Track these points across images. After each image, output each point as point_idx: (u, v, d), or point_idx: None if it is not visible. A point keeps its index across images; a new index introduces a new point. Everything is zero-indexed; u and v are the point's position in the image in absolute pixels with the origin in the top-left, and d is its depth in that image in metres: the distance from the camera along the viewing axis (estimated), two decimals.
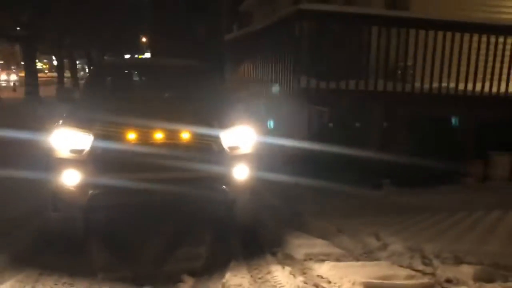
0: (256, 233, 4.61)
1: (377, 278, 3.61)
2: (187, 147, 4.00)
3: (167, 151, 3.93)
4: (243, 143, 4.21)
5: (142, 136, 3.93)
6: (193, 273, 3.73)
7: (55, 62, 35.21)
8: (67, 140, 3.92)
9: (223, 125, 4.17)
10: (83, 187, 3.87)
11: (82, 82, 22.74)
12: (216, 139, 4.07)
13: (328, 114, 6.34)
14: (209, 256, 4.09)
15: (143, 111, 4.06)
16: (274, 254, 4.19)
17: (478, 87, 6.66)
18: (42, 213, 4.49)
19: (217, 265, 3.92)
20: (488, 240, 4.56)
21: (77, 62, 32.63)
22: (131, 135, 3.90)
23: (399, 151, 6.34)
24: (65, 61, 27.73)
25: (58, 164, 3.92)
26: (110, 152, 3.87)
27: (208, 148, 4.03)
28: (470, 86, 6.64)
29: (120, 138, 3.91)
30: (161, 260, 3.99)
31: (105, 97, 4.57)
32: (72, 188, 3.88)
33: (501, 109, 6.63)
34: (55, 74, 31.58)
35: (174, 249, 4.18)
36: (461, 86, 6.63)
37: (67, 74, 29.16)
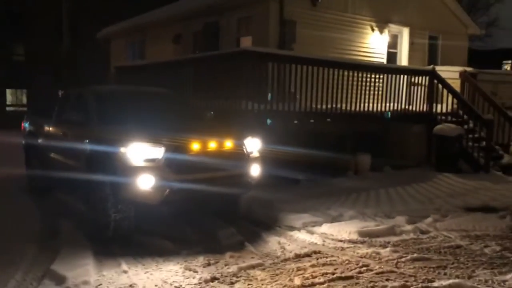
0: (256, 216, 6.25)
1: (361, 228, 5.68)
2: (228, 153, 5.49)
3: (217, 157, 5.35)
4: (255, 149, 5.86)
5: (199, 147, 5.26)
6: (247, 241, 5.24)
7: None
8: (142, 151, 5.00)
9: (241, 137, 5.75)
10: (157, 187, 5.00)
11: None
12: (244, 147, 5.64)
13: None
14: (241, 232, 5.59)
15: (194, 130, 5.40)
16: (280, 226, 5.91)
17: (354, 107, 9.39)
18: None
19: (253, 236, 5.47)
20: (394, 204, 7.10)
21: None
22: (194, 146, 5.21)
23: (304, 156, 8.60)
24: None
25: (134, 171, 4.96)
26: (177, 160, 5.10)
27: (241, 153, 5.59)
28: (347, 106, 9.33)
29: (183, 149, 5.17)
30: (213, 239, 5.34)
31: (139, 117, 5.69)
32: (148, 190, 4.98)
33: (369, 122, 9.55)
34: None
35: (214, 231, 5.55)
36: (343, 106, 9.27)
37: None
